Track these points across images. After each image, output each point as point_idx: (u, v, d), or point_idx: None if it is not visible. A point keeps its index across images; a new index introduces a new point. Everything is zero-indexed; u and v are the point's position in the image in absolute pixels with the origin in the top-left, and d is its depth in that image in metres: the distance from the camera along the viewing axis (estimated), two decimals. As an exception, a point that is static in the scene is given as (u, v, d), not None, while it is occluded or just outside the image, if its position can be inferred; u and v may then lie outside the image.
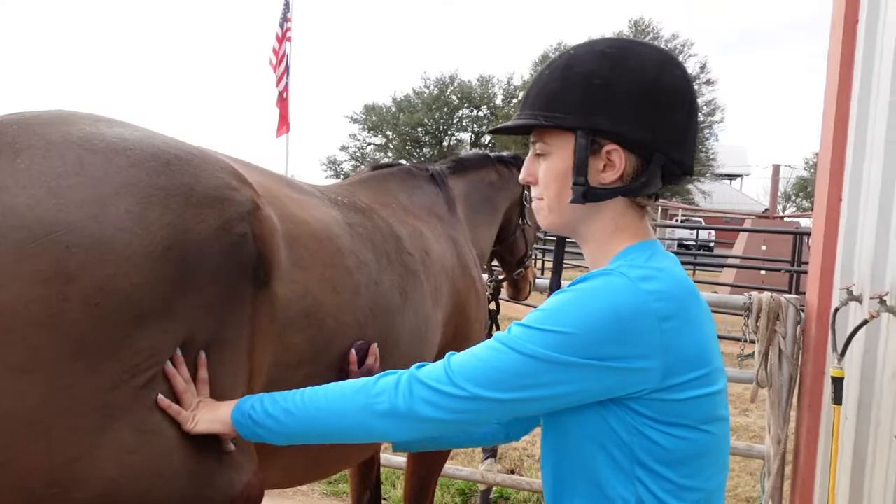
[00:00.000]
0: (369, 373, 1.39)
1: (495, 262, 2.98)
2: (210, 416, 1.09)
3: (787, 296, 2.92)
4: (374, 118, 40.28)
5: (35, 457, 0.92)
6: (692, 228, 20.25)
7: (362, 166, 40.90)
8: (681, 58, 32.67)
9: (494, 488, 3.61)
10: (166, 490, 1.01)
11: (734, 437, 5.27)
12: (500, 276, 2.93)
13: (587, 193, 1.00)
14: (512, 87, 40.07)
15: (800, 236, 10.05)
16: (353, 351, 1.45)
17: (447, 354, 1.03)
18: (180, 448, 1.06)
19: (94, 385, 0.95)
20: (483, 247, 2.53)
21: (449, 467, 3.50)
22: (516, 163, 2.80)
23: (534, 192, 1.11)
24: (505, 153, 2.84)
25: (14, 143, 0.96)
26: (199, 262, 1.04)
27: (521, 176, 1.12)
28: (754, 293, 3.01)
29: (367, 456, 2.20)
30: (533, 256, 2.92)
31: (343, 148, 41.79)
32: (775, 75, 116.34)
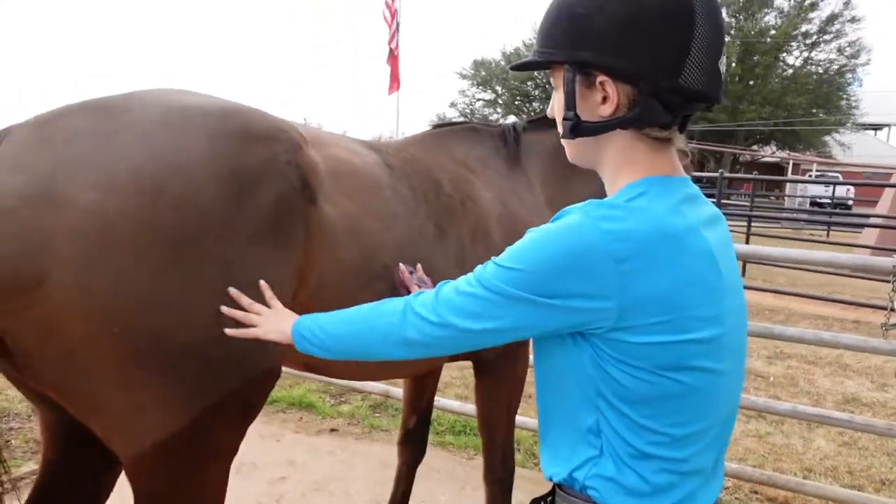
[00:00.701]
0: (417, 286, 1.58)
1: None
2: (275, 326, 1.31)
3: (946, 260, 2.57)
4: (483, 73, 39.78)
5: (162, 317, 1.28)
6: (827, 184, 18.51)
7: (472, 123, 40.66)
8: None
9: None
10: (235, 344, 1.36)
11: (870, 413, 4.84)
12: None
13: (576, 128, 1.01)
14: (627, 35, 37.81)
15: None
16: (401, 266, 1.69)
17: (439, 284, 1.13)
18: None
19: (185, 269, 1.29)
20: (580, 200, 2.44)
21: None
22: None
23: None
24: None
25: (125, 104, 1.36)
26: (254, 181, 1.39)
27: (548, 111, 1.14)
28: (905, 256, 2.68)
29: (390, 374, 2.32)
30: None
31: (452, 104, 41.75)
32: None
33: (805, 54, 31.82)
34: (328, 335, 1.24)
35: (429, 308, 1.09)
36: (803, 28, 30.67)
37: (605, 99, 0.99)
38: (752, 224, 11.99)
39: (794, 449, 4.09)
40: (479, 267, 1.06)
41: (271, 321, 1.32)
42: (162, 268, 1.25)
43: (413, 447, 2.76)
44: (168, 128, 1.33)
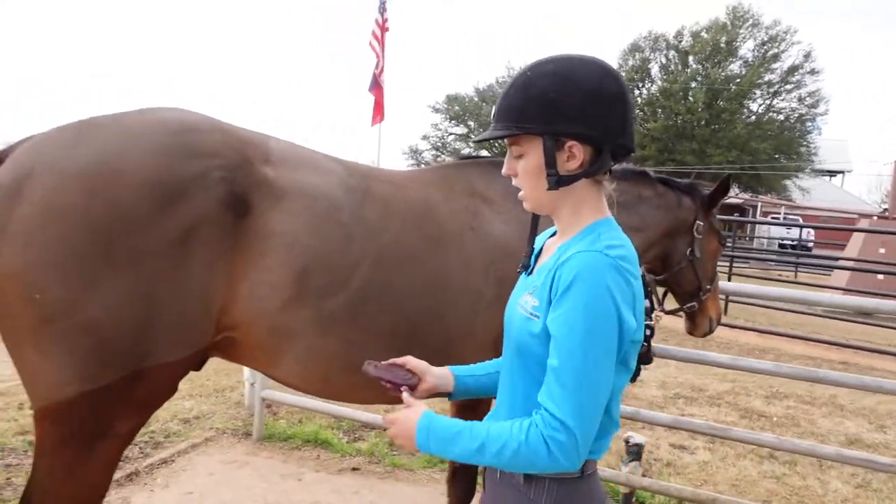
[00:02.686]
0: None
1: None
2: (403, 432, 1.29)
3: None
4: (456, 108, 40.27)
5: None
6: (794, 227, 19.14)
7: (442, 156, 41.12)
8: (783, 45, 31.50)
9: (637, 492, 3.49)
10: (128, 334, 1.62)
11: (874, 454, 4.89)
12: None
13: (559, 180, 1.26)
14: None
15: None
16: (367, 368, 1.45)
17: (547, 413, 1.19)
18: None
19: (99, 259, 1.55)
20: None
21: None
22: (691, 190, 2.73)
23: (514, 182, 1.35)
24: (680, 181, 2.79)
25: (107, 121, 1.67)
26: (181, 193, 1.61)
27: (504, 170, 1.36)
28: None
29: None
30: (709, 291, 2.81)
31: (424, 137, 42.06)
32: (879, 60, 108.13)
33: (768, 102, 33.19)
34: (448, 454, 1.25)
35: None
36: (766, 77, 32.04)
37: (569, 158, 1.25)
38: (734, 265, 12.26)
39: (814, 490, 4.09)
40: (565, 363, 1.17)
41: (400, 423, 1.31)
42: (83, 252, 1.52)
43: (463, 485, 2.65)
44: (121, 140, 1.62)
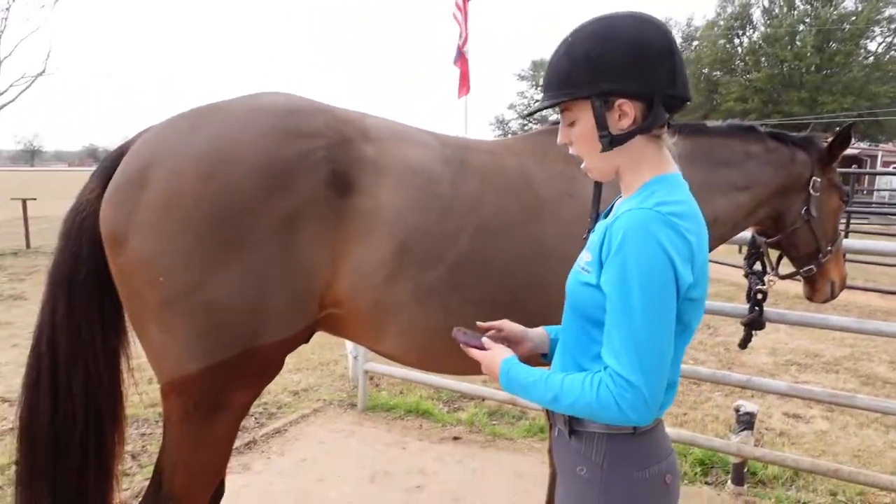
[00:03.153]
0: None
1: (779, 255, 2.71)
2: (491, 366, 1.38)
3: None
4: (542, 74, 39.32)
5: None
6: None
7: (530, 125, 40.40)
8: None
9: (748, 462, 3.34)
10: (242, 317, 1.70)
11: None
12: (755, 256, 2.69)
13: (612, 140, 1.24)
14: (692, 28, 36.83)
15: None
16: (456, 334, 1.51)
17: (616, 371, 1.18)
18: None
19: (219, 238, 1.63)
20: (716, 212, 2.32)
21: (698, 436, 3.30)
22: (806, 144, 2.50)
23: (571, 151, 1.34)
24: (795, 134, 2.55)
25: (219, 108, 1.76)
26: (286, 174, 1.67)
27: (559, 140, 1.34)
28: None
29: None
30: (830, 252, 2.56)
31: (511, 106, 41.54)
32: None
33: (889, 39, 30.04)
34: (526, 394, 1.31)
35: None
36: (887, 12, 28.94)
37: (621, 116, 1.23)
38: (851, 221, 11.35)
39: (951, 462, 3.76)
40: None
41: (493, 357, 1.40)
42: (203, 237, 1.59)
43: None
44: (232, 126, 1.68)
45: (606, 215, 1.42)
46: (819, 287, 2.62)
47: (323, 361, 5.39)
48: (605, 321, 1.18)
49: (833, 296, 2.65)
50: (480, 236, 1.94)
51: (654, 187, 1.23)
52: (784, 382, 3.37)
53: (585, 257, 1.29)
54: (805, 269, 2.58)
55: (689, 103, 1.32)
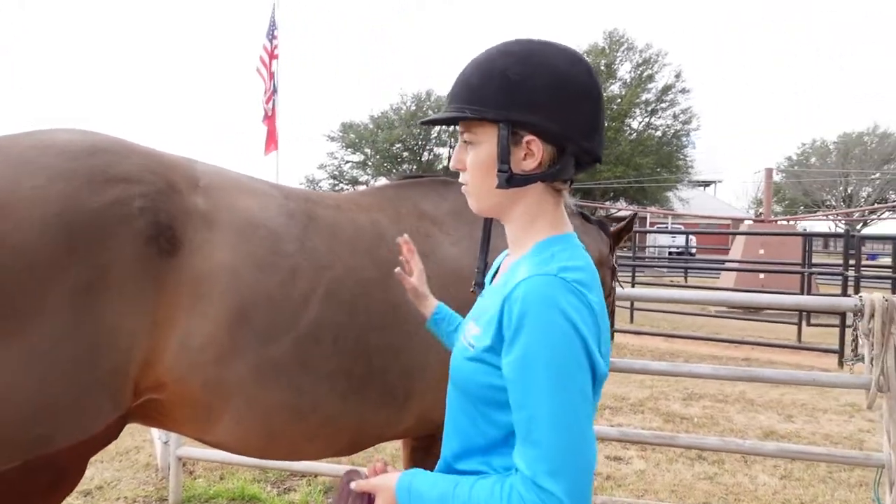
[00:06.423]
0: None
1: None
2: (385, 488, 1.10)
3: (904, 295, 2.80)
4: (351, 136, 40.06)
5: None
6: (676, 234, 20.42)
7: (340, 184, 40.64)
8: (655, 67, 33.88)
9: None
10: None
11: (830, 444, 5.12)
12: None
13: (510, 179, 1.08)
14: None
15: (809, 238, 10.11)
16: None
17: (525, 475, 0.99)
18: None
19: None
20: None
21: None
22: (602, 227, 2.75)
23: (462, 177, 1.18)
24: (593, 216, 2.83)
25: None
26: (92, 226, 1.34)
27: (451, 164, 1.20)
28: (864, 294, 2.89)
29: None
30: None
31: (321, 166, 41.46)
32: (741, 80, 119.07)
33: (646, 119, 35.50)
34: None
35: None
36: (643, 97, 34.30)
37: (526, 156, 1.08)
38: (634, 273, 12.83)
39: (746, 487, 4.21)
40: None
41: (378, 483, 1.13)
42: None
43: None
44: (13, 168, 1.34)
45: (494, 274, 1.29)
46: None
47: (121, 450, 4.60)
48: (512, 411, 1.00)
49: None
50: (332, 301, 1.73)
51: (553, 248, 1.09)
52: (612, 427, 3.55)
53: (472, 330, 1.11)
54: None
55: (598, 165, 1.19)
